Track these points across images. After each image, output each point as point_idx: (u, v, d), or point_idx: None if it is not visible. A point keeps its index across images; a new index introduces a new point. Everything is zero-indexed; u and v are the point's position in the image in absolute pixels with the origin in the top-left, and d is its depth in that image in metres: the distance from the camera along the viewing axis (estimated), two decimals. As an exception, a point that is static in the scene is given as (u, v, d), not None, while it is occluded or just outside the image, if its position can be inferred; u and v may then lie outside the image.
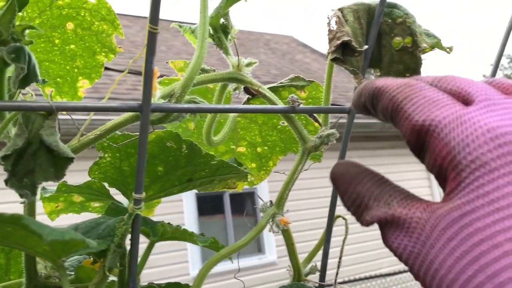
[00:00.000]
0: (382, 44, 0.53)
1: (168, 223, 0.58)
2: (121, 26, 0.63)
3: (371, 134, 6.40)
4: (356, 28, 0.51)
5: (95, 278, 0.47)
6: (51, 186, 0.61)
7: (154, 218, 0.64)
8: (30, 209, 0.48)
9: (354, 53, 0.49)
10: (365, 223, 0.28)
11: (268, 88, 0.61)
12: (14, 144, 0.39)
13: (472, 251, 0.23)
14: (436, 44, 0.53)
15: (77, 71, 0.64)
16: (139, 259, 0.52)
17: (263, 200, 0.59)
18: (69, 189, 0.60)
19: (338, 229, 0.66)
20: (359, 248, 6.28)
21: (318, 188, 5.73)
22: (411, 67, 0.53)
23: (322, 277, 0.60)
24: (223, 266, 4.85)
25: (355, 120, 0.55)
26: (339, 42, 0.48)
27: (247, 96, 0.66)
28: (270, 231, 0.57)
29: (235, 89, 0.61)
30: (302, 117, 0.67)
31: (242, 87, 0.60)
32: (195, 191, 0.64)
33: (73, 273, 0.52)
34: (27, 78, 0.41)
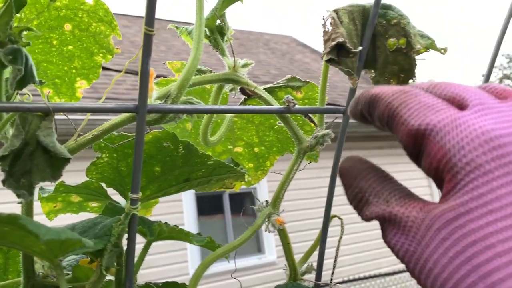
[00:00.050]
0: (376, 45, 0.54)
1: (165, 222, 0.59)
2: (121, 26, 0.64)
3: (370, 134, 6.40)
4: (351, 30, 0.51)
5: (92, 277, 0.48)
6: (49, 186, 0.62)
7: (154, 218, 0.64)
8: (28, 209, 0.48)
9: (349, 54, 0.50)
10: (365, 218, 0.29)
11: (264, 89, 0.62)
12: (11, 145, 0.40)
13: (465, 252, 0.23)
14: (430, 45, 0.54)
15: (75, 72, 0.65)
16: (136, 258, 0.53)
17: (259, 200, 0.59)
18: (67, 189, 0.60)
19: (336, 229, 0.67)
20: (359, 248, 6.28)
21: (316, 188, 5.73)
22: (406, 68, 0.53)
23: (318, 276, 0.60)
24: (224, 266, 4.86)
25: (355, 120, 0.56)
26: (334, 43, 0.49)
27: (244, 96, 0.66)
28: (266, 231, 0.57)
29: (231, 90, 0.62)
30: (299, 118, 0.68)
31: (238, 88, 0.60)
32: (194, 191, 0.64)
33: (70, 272, 0.52)
34: (24, 79, 0.42)
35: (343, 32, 0.50)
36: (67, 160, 0.42)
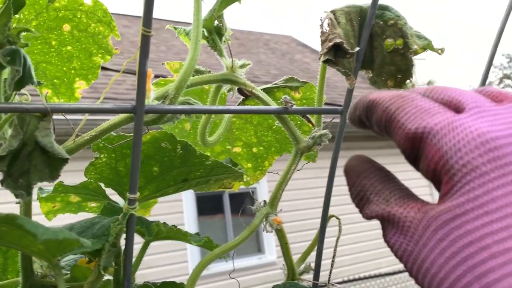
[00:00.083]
0: (374, 45, 0.54)
1: (163, 222, 0.59)
2: (121, 26, 0.64)
3: (370, 134, 6.38)
4: (348, 30, 0.52)
5: (90, 277, 0.48)
6: (48, 186, 0.62)
7: (154, 218, 0.64)
8: (26, 209, 0.48)
9: (346, 54, 0.50)
10: (366, 216, 0.30)
11: (262, 89, 0.62)
12: (9, 145, 0.40)
13: (461, 252, 0.24)
14: (427, 46, 0.54)
15: (74, 72, 0.65)
16: (134, 258, 0.53)
17: (256, 200, 0.60)
18: (66, 189, 0.61)
19: (335, 229, 0.67)
20: (359, 248, 6.28)
21: (315, 188, 5.73)
22: (403, 68, 0.54)
23: (316, 276, 0.61)
24: (224, 266, 4.87)
25: (354, 126, 0.56)
26: (331, 44, 0.49)
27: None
28: (263, 231, 0.58)
29: (229, 90, 0.62)
30: (297, 118, 0.68)
31: (236, 88, 0.61)
32: (194, 191, 0.65)
33: (69, 272, 0.53)
34: (22, 80, 0.42)
35: (340, 32, 0.50)
36: (65, 161, 0.42)
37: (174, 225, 0.59)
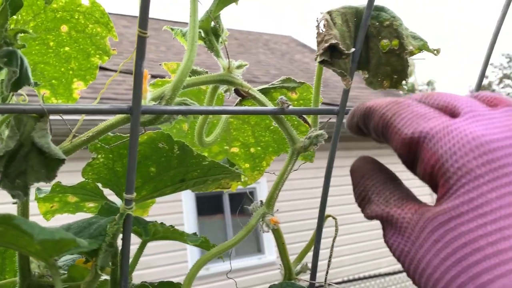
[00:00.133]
0: (369, 46, 0.54)
1: (161, 223, 0.59)
2: (120, 26, 0.64)
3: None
4: (344, 31, 0.52)
5: (87, 277, 0.48)
6: (46, 186, 0.62)
7: (153, 218, 0.65)
8: (23, 209, 0.48)
9: (342, 55, 0.50)
10: (366, 216, 0.31)
11: (259, 90, 0.62)
12: (6, 146, 0.40)
13: (456, 253, 0.24)
14: (423, 46, 0.54)
15: (71, 73, 0.65)
16: (131, 258, 0.53)
17: (253, 201, 0.60)
18: (64, 189, 0.61)
19: (333, 229, 0.67)
20: (358, 248, 6.28)
21: (313, 189, 5.73)
22: (398, 69, 0.54)
23: (313, 276, 0.61)
24: (224, 266, 4.87)
25: (352, 133, 0.56)
26: (327, 44, 0.49)
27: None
28: (260, 231, 0.58)
29: (226, 91, 0.62)
30: (294, 118, 0.68)
31: (233, 89, 0.61)
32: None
33: (66, 272, 0.53)
34: (19, 81, 0.42)
35: (336, 33, 0.50)
36: (62, 161, 0.42)
37: (171, 225, 0.60)
